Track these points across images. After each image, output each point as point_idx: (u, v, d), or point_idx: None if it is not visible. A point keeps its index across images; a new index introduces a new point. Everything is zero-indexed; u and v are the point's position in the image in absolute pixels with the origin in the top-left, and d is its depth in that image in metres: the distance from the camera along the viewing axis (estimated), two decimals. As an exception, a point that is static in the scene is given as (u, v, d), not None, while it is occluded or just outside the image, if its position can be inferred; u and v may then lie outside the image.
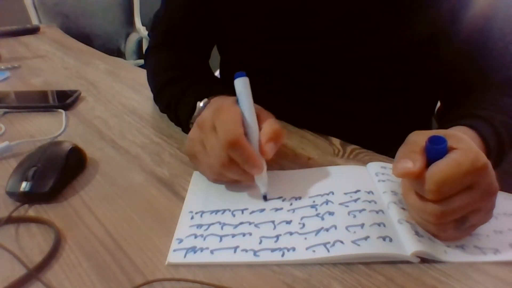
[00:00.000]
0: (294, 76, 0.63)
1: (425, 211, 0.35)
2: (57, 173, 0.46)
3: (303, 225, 0.39)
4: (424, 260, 0.35)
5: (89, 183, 0.48)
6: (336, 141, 0.56)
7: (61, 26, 1.58)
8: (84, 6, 2.23)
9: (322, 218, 0.40)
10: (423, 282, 0.33)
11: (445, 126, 0.47)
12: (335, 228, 0.38)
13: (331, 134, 0.58)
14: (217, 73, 0.93)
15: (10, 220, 0.41)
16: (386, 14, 0.54)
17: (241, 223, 0.40)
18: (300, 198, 0.43)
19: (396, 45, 0.56)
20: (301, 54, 0.60)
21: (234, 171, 0.42)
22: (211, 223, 0.40)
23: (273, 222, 0.40)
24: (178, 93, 0.58)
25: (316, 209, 0.41)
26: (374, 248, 0.35)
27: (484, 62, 0.56)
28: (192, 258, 0.36)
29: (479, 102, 0.54)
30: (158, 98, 0.66)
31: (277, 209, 0.42)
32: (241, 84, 0.44)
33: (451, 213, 0.34)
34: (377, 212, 0.40)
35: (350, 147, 0.55)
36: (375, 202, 0.41)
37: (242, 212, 0.42)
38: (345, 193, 0.43)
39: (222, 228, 0.40)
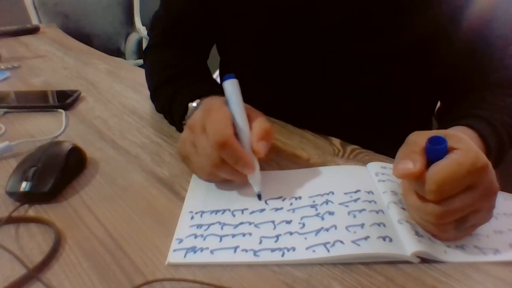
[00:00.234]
0: (294, 76, 0.63)
1: (426, 211, 0.35)
2: (57, 173, 0.46)
3: (303, 225, 0.39)
4: (424, 260, 0.35)
5: (89, 183, 0.48)
6: (336, 141, 0.56)
7: (61, 26, 1.58)
8: (84, 6, 2.23)
9: (322, 218, 0.40)
10: (423, 282, 0.33)
11: (445, 126, 0.47)
12: (335, 228, 0.38)
13: (331, 134, 0.58)
14: (217, 73, 0.93)
15: (10, 220, 0.41)
16: (386, 14, 0.54)
17: (241, 223, 0.40)
18: (300, 198, 0.43)
19: (396, 45, 0.56)
20: (301, 54, 0.60)
21: (226, 171, 0.42)
22: (211, 223, 0.40)
23: (273, 222, 0.40)
24: (172, 93, 0.58)
25: (316, 209, 0.41)
26: (374, 248, 0.35)
27: (484, 62, 0.56)
28: (192, 258, 0.36)
29: (479, 102, 0.54)
30: (154, 97, 0.66)
31: (277, 209, 0.42)
32: (230, 86, 0.45)
33: (452, 213, 0.34)
34: (377, 212, 0.40)
35: (350, 147, 0.55)
36: (375, 202, 0.41)
37: (242, 212, 0.42)
38: (345, 193, 0.43)
39: (222, 228, 0.40)
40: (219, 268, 0.35)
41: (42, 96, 0.75)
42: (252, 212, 0.42)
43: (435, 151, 0.35)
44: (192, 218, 0.41)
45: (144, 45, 2.30)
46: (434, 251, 0.35)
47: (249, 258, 0.36)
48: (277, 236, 0.38)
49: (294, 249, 0.36)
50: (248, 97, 0.68)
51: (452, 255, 0.36)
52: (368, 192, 0.43)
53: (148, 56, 0.72)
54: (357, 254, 0.35)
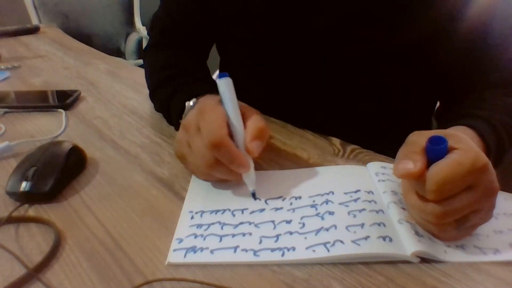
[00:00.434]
0: (294, 76, 0.63)
1: (426, 211, 0.35)
2: (57, 173, 0.46)
3: (303, 224, 0.39)
4: (424, 260, 0.35)
5: (89, 183, 0.48)
6: (336, 141, 0.56)
7: (61, 26, 1.58)
8: (84, 6, 2.23)
9: (322, 218, 0.40)
10: (423, 282, 0.33)
11: (445, 126, 0.47)
12: (335, 227, 0.38)
13: (331, 134, 0.58)
14: (217, 73, 0.93)
15: (10, 220, 0.41)
16: (386, 14, 0.54)
17: (241, 223, 0.40)
18: (300, 197, 0.43)
19: (396, 45, 0.56)
20: (301, 54, 0.60)
21: (221, 171, 0.42)
22: (211, 223, 0.40)
23: (273, 221, 0.40)
24: (170, 92, 0.58)
25: (316, 209, 0.41)
26: (374, 248, 0.35)
27: (483, 62, 0.56)
28: (192, 258, 0.36)
29: (479, 101, 0.54)
30: (153, 97, 0.66)
31: (277, 209, 0.42)
32: (224, 85, 0.45)
33: (452, 213, 0.34)
34: (377, 212, 0.40)
35: (350, 147, 0.55)
36: (375, 202, 0.41)
37: (242, 212, 0.42)
38: (345, 193, 0.43)
39: (222, 228, 0.40)
40: (219, 268, 0.35)
41: (42, 96, 0.75)
42: (252, 212, 0.42)
43: (435, 151, 0.35)
44: (192, 218, 0.41)
45: (144, 45, 2.29)
46: (434, 251, 0.35)
47: (249, 258, 0.36)
48: (277, 236, 0.38)
49: (294, 249, 0.36)
50: (248, 97, 0.69)
51: (452, 255, 0.36)
52: (368, 192, 0.43)
53: (148, 56, 0.72)
54: (357, 254, 0.35)
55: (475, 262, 0.35)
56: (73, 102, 0.71)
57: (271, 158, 0.52)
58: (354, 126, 0.62)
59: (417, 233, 0.37)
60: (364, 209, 0.40)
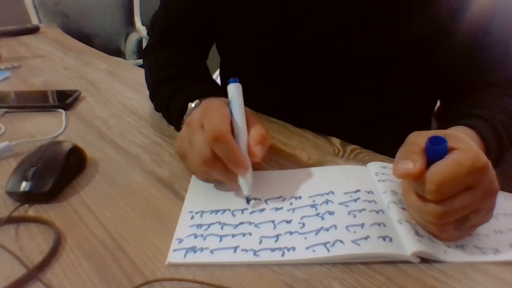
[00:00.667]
0: (294, 76, 0.63)
1: (426, 211, 0.35)
2: (57, 173, 0.46)
3: (303, 224, 0.39)
4: (424, 260, 0.35)
5: (89, 183, 0.48)
6: (336, 141, 0.56)
7: (61, 26, 1.58)
8: (84, 6, 2.23)
9: (322, 218, 0.40)
10: (423, 282, 0.33)
11: (445, 126, 0.47)
12: (335, 227, 0.38)
13: (331, 134, 0.58)
14: (217, 73, 0.93)
15: (10, 220, 0.41)
16: (386, 14, 0.54)
17: (241, 223, 0.40)
18: (300, 197, 0.43)
19: (396, 45, 0.56)
20: (301, 54, 0.60)
21: (218, 169, 0.42)
22: (211, 223, 0.40)
23: (273, 221, 0.40)
24: (171, 93, 0.58)
25: (316, 209, 0.41)
26: (374, 248, 0.35)
27: (483, 62, 0.56)
28: (192, 258, 0.36)
29: (479, 101, 0.54)
30: (153, 96, 0.66)
31: (277, 209, 0.42)
32: (234, 90, 0.46)
33: (452, 213, 0.34)
34: (377, 212, 0.40)
35: (350, 147, 0.55)
36: (375, 202, 0.41)
37: (242, 212, 0.42)
38: (345, 193, 0.43)
39: (222, 228, 0.40)
40: (219, 268, 0.35)
41: (42, 96, 0.75)
42: (252, 212, 0.42)
43: (435, 151, 0.35)
44: (192, 218, 0.41)
45: (144, 45, 2.29)
46: (434, 251, 0.35)
47: (249, 258, 0.36)
48: (277, 236, 0.38)
49: (294, 248, 0.36)
50: (248, 97, 0.68)
51: (452, 255, 0.36)
52: (368, 192, 0.43)
53: (148, 55, 0.72)
54: (357, 254, 0.35)
55: (475, 262, 0.35)
56: (73, 102, 0.71)
57: (271, 158, 0.52)
58: (354, 126, 0.62)
59: (417, 233, 0.37)
60: (364, 209, 0.40)
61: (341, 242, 0.36)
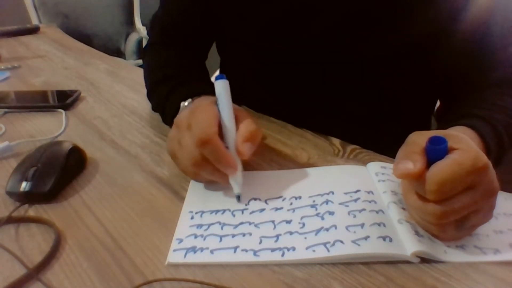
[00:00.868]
0: (294, 76, 0.63)
1: (426, 211, 0.35)
2: (57, 173, 0.46)
3: (303, 224, 0.39)
4: (424, 260, 0.35)
5: (89, 183, 0.48)
6: (336, 141, 0.56)
7: (61, 26, 1.58)
8: (84, 6, 2.23)
9: (322, 218, 0.40)
10: (423, 282, 0.33)
11: (445, 126, 0.47)
12: (335, 227, 0.38)
13: (331, 134, 0.58)
14: (217, 73, 0.93)
15: (10, 220, 0.41)
16: (386, 14, 0.54)
17: (241, 223, 0.40)
18: (300, 197, 0.43)
19: (396, 45, 0.56)
20: (301, 54, 0.60)
21: (207, 170, 0.42)
22: (211, 223, 0.40)
23: (273, 221, 0.40)
24: (166, 92, 0.58)
25: (316, 209, 0.41)
26: (374, 248, 0.35)
27: (483, 62, 0.56)
28: (192, 258, 0.36)
29: (479, 101, 0.54)
30: (150, 96, 0.66)
31: (277, 209, 0.42)
32: (221, 86, 0.46)
33: (452, 213, 0.34)
34: (377, 212, 0.40)
35: (350, 147, 0.55)
36: (375, 202, 0.41)
37: (242, 212, 0.42)
38: (345, 193, 0.43)
39: (222, 228, 0.40)
40: (219, 268, 0.35)
41: (42, 96, 0.75)
42: (252, 212, 0.42)
43: (436, 151, 0.35)
44: (192, 218, 0.41)
45: (144, 45, 2.30)
46: (434, 251, 0.35)
47: (249, 258, 0.36)
48: (277, 236, 0.38)
49: (294, 249, 0.36)
50: (248, 97, 0.69)
51: (452, 255, 0.36)
52: (368, 192, 0.43)
53: (147, 55, 0.73)
54: (357, 254, 0.35)
55: (475, 262, 0.35)
56: (73, 102, 0.71)
57: (271, 158, 0.52)
58: (354, 126, 0.62)
59: (417, 233, 0.37)
60: (364, 209, 0.40)
61: (341, 242, 0.36)
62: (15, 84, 0.83)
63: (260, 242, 0.37)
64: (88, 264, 0.36)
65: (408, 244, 0.35)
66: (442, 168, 0.33)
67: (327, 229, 0.38)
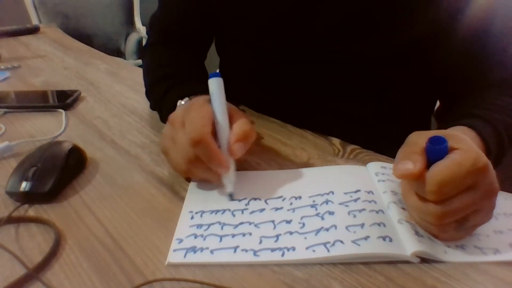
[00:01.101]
0: (293, 76, 0.63)
1: (426, 211, 0.35)
2: (57, 173, 0.46)
3: (303, 224, 0.39)
4: (424, 260, 0.35)
5: (89, 183, 0.48)
6: (336, 141, 0.56)
7: (61, 26, 1.58)
8: (84, 6, 2.23)
9: (322, 218, 0.40)
10: (423, 282, 0.33)
11: (445, 126, 0.47)
12: (335, 227, 0.38)
13: (331, 134, 0.58)
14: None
15: (10, 220, 0.41)
16: (386, 14, 0.54)
17: (241, 223, 0.40)
18: (300, 197, 0.43)
19: (395, 45, 0.56)
20: (301, 54, 0.60)
21: (200, 168, 0.43)
22: (211, 223, 0.40)
23: (273, 221, 0.40)
24: (164, 91, 0.58)
25: (316, 209, 0.41)
26: (374, 248, 0.35)
27: (483, 62, 0.56)
28: (192, 258, 0.36)
29: (479, 101, 0.54)
30: (148, 95, 0.66)
31: (277, 209, 0.42)
32: (214, 84, 0.46)
33: (452, 213, 0.34)
34: (377, 212, 0.40)
35: (350, 147, 0.55)
36: (375, 202, 0.41)
37: (242, 212, 0.42)
38: (345, 193, 0.43)
39: (222, 228, 0.40)
40: (219, 268, 0.35)
41: (42, 96, 0.75)
42: (252, 212, 0.42)
43: (436, 151, 0.35)
44: (192, 218, 0.41)
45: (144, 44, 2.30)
46: (434, 251, 0.35)
47: (249, 258, 0.36)
48: (277, 236, 0.38)
49: (294, 249, 0.36)
50: (248, 96, 0.69)
51: (452, 255, 0.36)
52: (368, 192, 0.43)
53: (146, 54, 0.73)
54: (357, 254, 0.35)
55: (475, 262, 0.35)
56: (73, 102, 0.71)
57: (271, 158, 0.52)
58: (354, 126, 0.62)
59: (417, 233, 0.37)
60: (364, 209, 0.40)
61: (341, 242, 0.36)
62: (15, 84, 0.83)
63: (260, 242, 0.37)
64: (88, 264, 0.36)
65: (408, 244, 0.35)
66: (442, 169, 0.33)
67: (327, 229, 0.38)
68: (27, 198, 0.44)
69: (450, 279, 0.34)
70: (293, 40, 0.59)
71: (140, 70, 0.86)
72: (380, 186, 0.44)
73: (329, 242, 0.36)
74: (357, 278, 0.34)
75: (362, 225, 0.38)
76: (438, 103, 0.69)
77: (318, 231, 0.38)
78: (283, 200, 0.43)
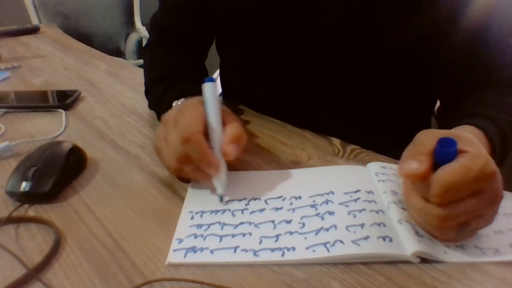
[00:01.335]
0: (293, 76, 0.63)
1: (428, 213, 0.35)
2: (57, 173, 0.46)
3: (303, 224, 0.39)
4: (424, 260, 0.35)
5: (89, 183, 0.48)
6: (336, 141, 0.56)
7: (61, 26, 1.58)
8: (84, 6, 2.23)
9: (322, 218, 0.40)
10: (423, 282, 0.33)
11: (447, 125, 0.47)
12: (335, 227, 0.38)
13: (331, 134, 0.58)
14: (217, 73, 0.93)
15: (10, 220, 0.41)
16: (386, 14, 0.54)
17: (241, 223, 0.40)
18: (300, 197, 0.43)
19: (396, 45, 0.56)
20: (301, 54, 0.60)
21: (191, 167, 0.43)
22: (211, 223, 0.40)
23: (273, 221, 0.40)
24: (162, 91, 0.59)
25: (316, 209, 0.41)
26: (374, 248, 0.35)
27: (485, 61, 0.56)
28: (192, 258, 0.36)
29: (481, 101, 0.53)
30: (147, 94, 0.66)
31: (277, 209, 0.42)
32: (208, 89, 0.46)
33: (455, 217, 0.34)
34: (377, 212, 0.40)
35: (350, 147, 0.55)
36: (375, 202, 0.41)
37: (242, 212, 0.42)
38: (345, 193, 0.43)
39: (222, 228, 0.40)
40: (219, 268, 0.35)
41: (42, 96, 0.75)
42: (252, 212, 0.42)
43: (444, 153, 0.34)
44: (192, 218, 0.41)
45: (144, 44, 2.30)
46: (434, 251, 0.35)
47: (249, 258, 0.36)
48: (277, 236, 0.38)
49: (294, 249, 0.36)
50: (248, 97, 0.69)
51: (452, 255, 0.36)
52: (368, 192, 0.43)
53: (146, 53, 0.73)
54: (357, 254, 0.35)
55: (475, 262, 0.35)
56: (73, 102, 0.71)
57: (271, 158, 0.52)
58: (354, 126, 0.62)
59: (417, 233, 0.37)
60: (364, 209, 0.40)
61: (341, 242, 0.36)
62: (15, 84, 0.83)
63: (260, 242, 0.37)
64: (88, 264, 0.36)
65: (408, 244, 0.35)
66: (450, 172, 0.33)
67: (327, 229, 0.38)
68: (27, 198, 0.44)
69: (450, 279, 0.34)
70: (293, 40, 0.59)
71: (140, 70, 0.86)
72: (380, 186, 0.44)
73: (329, 242, 0.36)
74: (357, 278, 0.34)
75: (362, 225, 0.38)
76: (438, 103, 0.69)
77: (318, 231, 0.38)
78: (283, 200, 0.43)
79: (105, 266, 0.36)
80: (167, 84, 0.59)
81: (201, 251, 0.37)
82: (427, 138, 0.36)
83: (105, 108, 0.69)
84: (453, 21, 0.53)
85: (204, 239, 0.38)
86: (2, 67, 0.92)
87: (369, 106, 0.62)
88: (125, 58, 2.32)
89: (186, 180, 0.47)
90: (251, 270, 0.35)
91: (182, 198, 0.45)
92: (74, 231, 0.40)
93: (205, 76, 0.69)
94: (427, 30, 0.54)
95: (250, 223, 0.40)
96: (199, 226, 0.40)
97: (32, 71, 0.91)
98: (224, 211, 0.42)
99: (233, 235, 0.38)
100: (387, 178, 0.45)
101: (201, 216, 0.41)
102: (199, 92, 0.52)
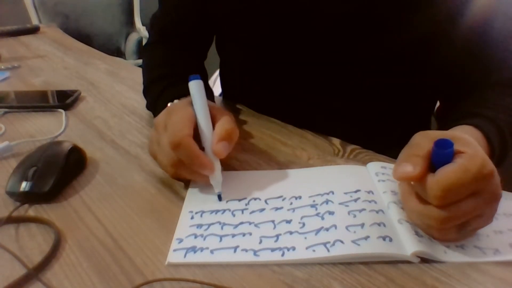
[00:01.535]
0: (293, 76, 0.63)
1: (428, 215, 0.35)
2: (57, 173, 0.46)
3: (303, 224, 0.39)
4: (424, 260, 0.35)
5: (89, 183, 0.48)
6: (336, 141, 0.56)
7: (61, 26, 1.58)
8: (84, 6, 2.23)
9: (322, 218, 0.40)
10: (423, 282, 0.33)
11: (447, 125, 0.47)
12: (335, 227, 0.38)
13: (331, 134, 0.58)
14: (217, 73, 0.93)
15: (10, 220, 0.41)
16: (386, 14, 0.54)
17: (241, 223, 0.40)
18: (300, 197, 0.43)
19: (396, 45, 0.56)
20: (301, 54, 0.60)
21: (185, 170, 0.43)
22: (211, 223, 0.40)
23: (273, 221, 0.40)
24: (159, 92, 0.59)
25: (316, 209, 0.41)
26: (374, 248, 0.35)
27: (485, 61, 0.56)
28: (192, 258, 0.36)
29: (481, 101, 0.53)
30: (145, 94, 0.66)
31: (277, 209, 0.42)
32: (194, 87, 0.46)
33: (455, 218, 0.34)
34: (377, 212, 0.40)
35: (350, 147, 0.55)
36: (375, 202, 0.41)
37: (242, 212, 0.42)
38: (345, 193, 0.43)
39: (222, 228, 0.40)
40: (219, 268, 0.35)
41: (42, 96, 0.75)
42: (252, 211, 0.42)
43: (441, 155, 0.34)
44: (192, 218, 0.41)
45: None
46: (434, 251, 0.35)
47: (249, 258, 0.36)
48: (277, 236, 0.38)
49: (294, 248, 0.36)
50: (248, 97, 0.69)
51: (452, 255, 0.36)
52: (368, 192, 0.43)
53: (145, 53, 0.73)
54: (357, 254, 0.35)
55: (475, 262, 0.35)
56: (73, 102, 0.71)
57: (271, 158, 0.52)
58: (354, 126, 0.62)
59: (417, 233, 0.37)
60: (364, 209, 0.40)
61: (341, 242, 0.36)
62: (15, 84, 0.83)
63: (260, 242, 0.37)
64: (88, 264, 0.36)
65: (408, 244, 0.35)
66: (448, 174, 0.33)
67: (327, 229, 0.38)
68: (27, 198, 0.44)
69: (450, 279, 0.34)
70: (293, 40, 0.59)
71: (140, 70, 0.86)
72: (380, 186, 0.44)
73: (329, 242, 0.36)
74: (357, 278, 0.34)
75: (362, 225, 0.38)
76: (438, 103, 0.69)
77: (318, 231, 0.38)
78: (283, 200, 0.43)
79: (105, 266, 0.36)
80: (164, 85, 0.59)
81: (201, 251, 0.37)
82: (423, 140, 0.36)
83: (105, 108, 0.69)
84: (453, 21, 0.53)
85: (204, 239, 0.38)
86: (2, 67, 0.92)
87: (369, 106, 0.62)
88: (125, 58, 2.32)
89: (186, 181, 0.47)
90: (251, 270, 0.35)
91: (182, 198, 0.45)
92: (74, 231, 0.40)
93: (204, 76, 0.69)
94: (427, 30, 0.54)
95: (250, 223, 0.40)
96: (199, 226, 0.40)
97: (32, 71, 0.91)
98: (224, 211, 0.42)
99: (233, 235, 0.38)
100: (387, 178, 0.45)
101: (201, 216, 0.41)
102: None
